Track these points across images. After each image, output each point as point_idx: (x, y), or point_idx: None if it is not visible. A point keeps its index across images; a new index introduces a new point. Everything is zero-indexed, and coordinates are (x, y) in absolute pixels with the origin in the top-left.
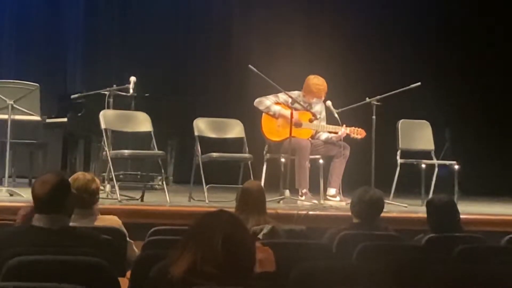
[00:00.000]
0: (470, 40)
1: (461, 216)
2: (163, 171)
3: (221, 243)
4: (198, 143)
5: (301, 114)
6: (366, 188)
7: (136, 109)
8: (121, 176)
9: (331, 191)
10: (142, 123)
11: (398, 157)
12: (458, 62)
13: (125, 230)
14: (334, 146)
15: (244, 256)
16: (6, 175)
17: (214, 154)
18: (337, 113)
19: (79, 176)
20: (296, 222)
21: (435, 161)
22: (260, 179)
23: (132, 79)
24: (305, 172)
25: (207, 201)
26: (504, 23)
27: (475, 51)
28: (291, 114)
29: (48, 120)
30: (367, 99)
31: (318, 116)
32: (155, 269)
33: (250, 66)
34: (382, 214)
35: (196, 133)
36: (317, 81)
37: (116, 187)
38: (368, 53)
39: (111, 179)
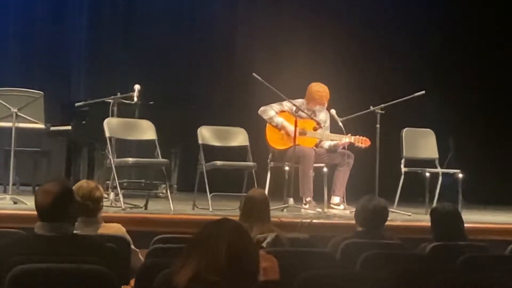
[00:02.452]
0: (474, 49)
1: (465, 225)
2: (167, 179)
3: (225, 252)
4: (202, 151)
5: (305, 122)
6: (370, 197)
7: (140, 117)
8: (125, 184)
9: (335, 199)
10: (146, 131)
11: (402, 166)
12: (462, 70)
13: (129, 238)
14: (338, 154)
15: (248, 264)
16: (10, 183)
17: (218, 163)
18: (341, 121)
19: (83, 184)
20: (300, 231)
21: (439, 170)
22: (264, 188)
23: (136, 87)
24: (309, 180)
25: (211, 209)
26: (508, 32)
27: (479, 60)
28: (295, 124)
29: (52, 128)
30: (371, 108)
31: (322, 125)
32: (159, 278)
33: (254, 74)
34: (386, 223)
35: (200, 141)
36: (319, 88)
37: (120, 195)
38: (372, 62)
39: (115, 187)
